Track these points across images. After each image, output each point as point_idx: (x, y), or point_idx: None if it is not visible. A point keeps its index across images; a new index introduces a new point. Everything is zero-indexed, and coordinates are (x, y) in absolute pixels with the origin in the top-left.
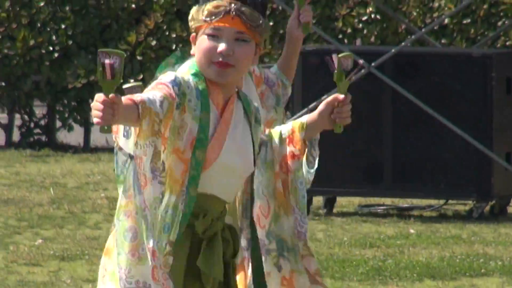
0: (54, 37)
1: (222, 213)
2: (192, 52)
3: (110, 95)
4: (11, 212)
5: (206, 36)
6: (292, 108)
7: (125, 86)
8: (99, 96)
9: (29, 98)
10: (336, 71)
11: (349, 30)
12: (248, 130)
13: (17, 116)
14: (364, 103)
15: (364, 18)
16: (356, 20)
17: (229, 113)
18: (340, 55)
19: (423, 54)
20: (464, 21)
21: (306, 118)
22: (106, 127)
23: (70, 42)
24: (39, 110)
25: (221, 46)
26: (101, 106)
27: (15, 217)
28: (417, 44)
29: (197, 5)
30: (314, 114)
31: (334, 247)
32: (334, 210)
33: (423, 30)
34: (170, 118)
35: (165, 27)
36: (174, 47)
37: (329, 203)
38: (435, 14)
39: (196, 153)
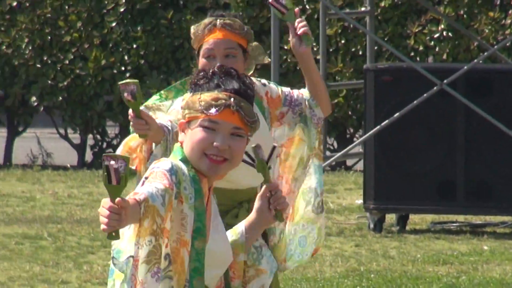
0: (126, 57)
1: None
2: (180, 139)
3: (116, 200)
4: (85, 232)
5: (201, 128)
6: (364, 126)
7: (120, 82)
8: (105, 202)
9: (101, 118)
10: (256, 162)
11: (421, 48)
12: (222, 224)
13: (90, 136)
14: (437, 120)
15: (436, 35)
16: (428, 38)
17: (210, 203)
18: (253, 145)
19: (496, 71)
20: None
21: (243, 225)
22: (113, 234)
23: (142, 62)
24: (112, 130)
25: (218, 141)
26: (107, 213)
27: (88, 237)
28: (489, 61)
29: (190, 90)
30: (252, 216)
31: (407, 264)
32: (407, 227)
33: (495, 47)
34: (169, 210)
35: None
36: None
37: (402, 220)
38: (507, 31)
39: (195, 244)
